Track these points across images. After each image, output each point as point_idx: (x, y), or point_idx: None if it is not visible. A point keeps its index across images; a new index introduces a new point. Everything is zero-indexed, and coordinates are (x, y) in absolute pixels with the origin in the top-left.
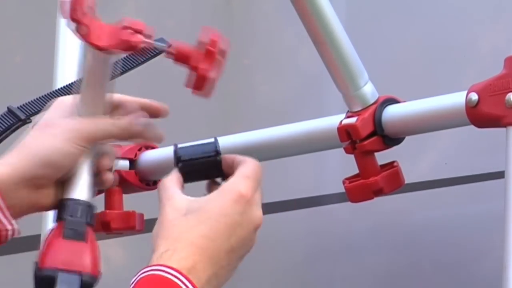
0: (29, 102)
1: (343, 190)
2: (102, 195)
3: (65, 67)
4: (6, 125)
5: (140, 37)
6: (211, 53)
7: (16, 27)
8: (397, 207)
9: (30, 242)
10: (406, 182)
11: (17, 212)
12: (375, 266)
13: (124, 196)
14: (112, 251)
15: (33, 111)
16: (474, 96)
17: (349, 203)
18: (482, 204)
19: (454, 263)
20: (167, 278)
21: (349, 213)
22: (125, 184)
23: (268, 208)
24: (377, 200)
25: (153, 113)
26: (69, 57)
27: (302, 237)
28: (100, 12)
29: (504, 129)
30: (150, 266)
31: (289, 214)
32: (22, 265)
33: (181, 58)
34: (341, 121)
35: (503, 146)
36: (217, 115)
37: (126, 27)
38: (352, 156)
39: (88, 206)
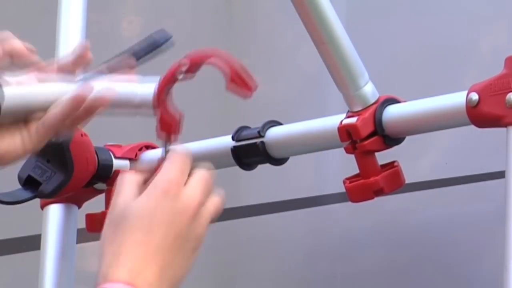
0: None
1: (344, 190)
2: (102, 195)
3: None
4: None
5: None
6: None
7: (16, 27)
8: (397, 207)
9: (30, 242)
10: (406, 182)
11: None
12: (375, 266)
13: None
14: None
15: None
16: (474, 96)
17: (349, 203)
18: (482, 204)
19: (454, 262)
20: None
21: (349, 213)
22: None
23: (268, 208)
24: (377, 200)
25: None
26: None
27: (302, 237)
28: (100, 12)
29: (504, 129)
30: (100, 285)
31: (289, 214)
32: (22, 265)
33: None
34: (342, 121)
35: (503, 146)
36: (217, 115)
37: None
38: (352, 156)
39: None
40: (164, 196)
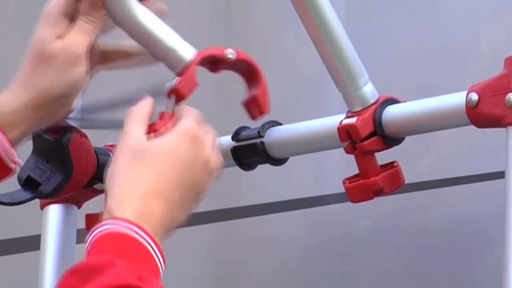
0: None
1: (343, 190)
2: (102, 195)
3: None
4: None
5: None
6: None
7: (16, 27)
8: (397, 207)
9: (30, 242)
10: (406, 182)
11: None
12: (375, 267)
13: None
14: None
15: None
16: (474, 96)
17: (349, 203)
18: (482, 204)
19: (454, 263)
20: (124, 233)
21: (349, 213)
22: None
23: (268, 208)
24: (377, 200)
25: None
26: None
27: (302, 237)
28: None
29: (504, 129)
30: (105, 220)
31: (289, 214)
32: (22, 265)
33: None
34: (341, 121)
35: (503, 146)
36: (217, 115)
37: None
38: (352, 156)
39: None
40: (188, 139)
